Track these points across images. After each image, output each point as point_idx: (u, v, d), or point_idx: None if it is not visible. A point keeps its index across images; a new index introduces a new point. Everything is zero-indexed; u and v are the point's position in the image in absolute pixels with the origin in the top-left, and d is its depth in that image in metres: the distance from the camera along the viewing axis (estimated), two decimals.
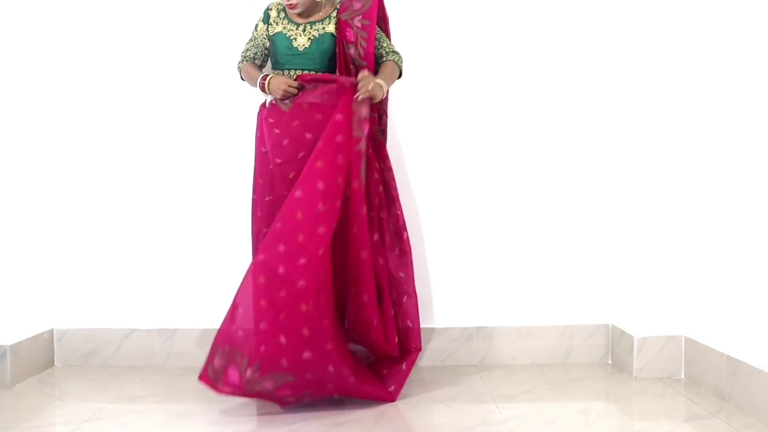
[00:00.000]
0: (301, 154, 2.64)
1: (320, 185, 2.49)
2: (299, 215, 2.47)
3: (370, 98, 2.57)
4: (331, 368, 2.46)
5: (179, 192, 3.16)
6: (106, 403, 2.66)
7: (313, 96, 2.66)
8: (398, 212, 2.80)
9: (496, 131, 3.15)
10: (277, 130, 2.71)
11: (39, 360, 3.05)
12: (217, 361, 2.48)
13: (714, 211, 2.70)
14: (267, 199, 2.74)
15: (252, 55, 2.84)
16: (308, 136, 2.64)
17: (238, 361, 2.45)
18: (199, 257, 3.16)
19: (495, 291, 3.15)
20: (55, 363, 3.16)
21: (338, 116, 2.55)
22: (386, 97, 2.79)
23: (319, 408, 2.55)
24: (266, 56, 2.86)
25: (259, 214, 2.79)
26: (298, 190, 2.49)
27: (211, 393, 2.76)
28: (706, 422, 2.40)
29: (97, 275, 3.17)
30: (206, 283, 3.15)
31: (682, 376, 2.88)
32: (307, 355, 2.42)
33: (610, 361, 3.14)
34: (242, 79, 2.89)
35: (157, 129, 3.17)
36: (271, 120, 2.72)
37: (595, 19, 3.12)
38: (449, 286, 3.14)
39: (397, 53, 2.80)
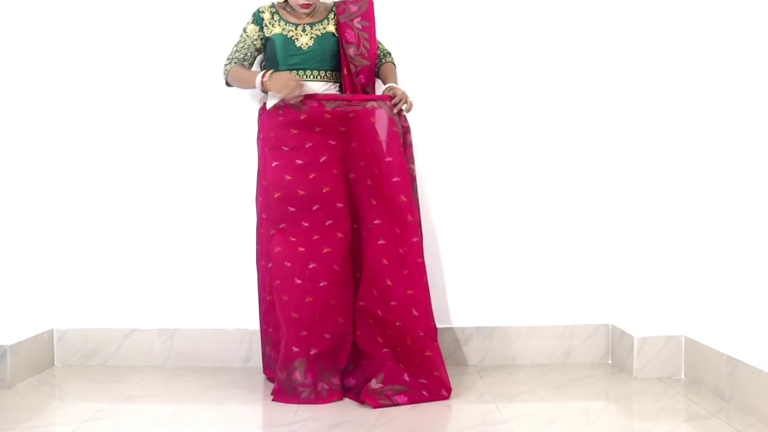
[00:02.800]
0: (324, 158, 2.68)
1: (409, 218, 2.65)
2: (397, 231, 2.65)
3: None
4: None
5: (179, 192, 3.16)
6: (106, 403, 2.66)
7: (332, 106, 2.68)
8: None
9: (497, 133, 3.15)
10: (294, 131, 2.70)
11: (39, 360, 3.05)
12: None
13: (713, 211, 2.70)
14: (276, 195, 2.73)
15: (241, 57, 2.79)
16: (332, 142, 2.70)
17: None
18: (199, 257, 3.16)
19: (495, 291, 3.15)
20: (55, 363, 3.16)
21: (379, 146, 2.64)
22: None
23: (318, 408, 2.56)
24: (254, 59, 2.84)
25: (263, 216, 2.79)
26: (377, 219, 2.66)
27: (209, 393, 2.77)
28: (706, 422, 2.39)
29: (97, 275, 3.17)
30: (206, 283, 3.15)
31: (682, 376, 2.88)
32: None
33: (610, 361, 3.14)
34: (228, 84, 2.82)
35: (157, 130, 3.17)
36: (281, 117, 2.70)
37: (604, 18, 3.12)
38: (449, 287, 3.14)
39: (390, 53, 2.92)
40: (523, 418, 2.46)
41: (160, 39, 3.15)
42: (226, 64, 2.82)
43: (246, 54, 2.80)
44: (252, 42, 2.78)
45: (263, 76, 2.67)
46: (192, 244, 3.16)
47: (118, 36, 3.15)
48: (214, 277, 3.14)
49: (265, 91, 2.71)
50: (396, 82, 2.84)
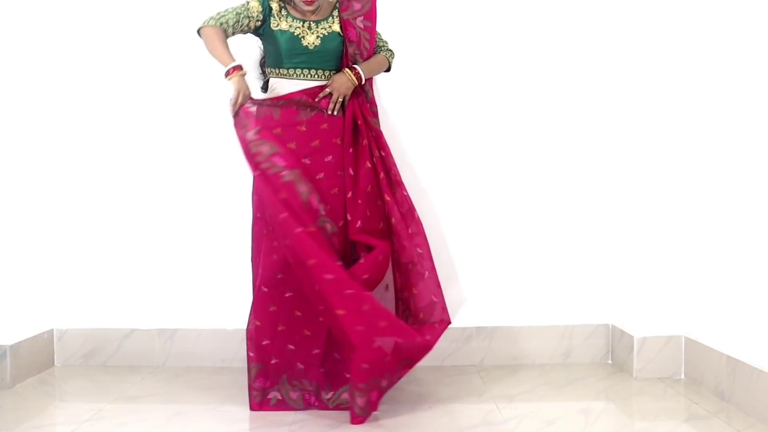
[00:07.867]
0: (307, 160, 2.65)
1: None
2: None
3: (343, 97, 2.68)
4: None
5: (178, 192, 3.16)
6: (106, 403, 2.66)
7: (306, 116, 2.67)
8: (405, 194, 2.78)
9: (498, 131, 3.15)
10: (278, 130, 2.69)
11: (39, 360, 3.05)
12: None
13: (713, 211, 2.70)
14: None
15: (231, 22, 2.61)
16: (315, 144, 2.66)
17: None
18: (199, 258, 3.16)
19: (495, 291, 3.15)
20: (55, 363, 3.16)
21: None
22: (370, 85, 2.81)
23: (318, 408, 2.56)
24: (241, 33, 2.68)
25: (258, 215, 2.78)
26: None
27: (209, 393, 2.76)
28: (706, 422, 2.40)
29: (97, 275, 3.17)
30: (206, 283, 3.15)
31: (682, 376, 2.88)
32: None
33: (610, 361, 3.14)
34: (199, 35, 2.66)
35: (156, 130, 3.17)
36: (269, 115, 2.66)
37: (605, 18, 3.12)
38: (449, 287, 3.13)
39: (391, 50, 2.87)
40: (523, 418, 2.46)
41: (157, 40, 3.14)
42: (211, 17, 2.62)
43: (237, 22, 2.64)
44: (248, 15, 2.65)
45: (234, 69, 2.56)
46: (192, 244, 3.16)
47: (115, 37, 3.15)
48: (214, 277, 3.14)
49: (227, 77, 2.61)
50: (364, 67, 2.72)
